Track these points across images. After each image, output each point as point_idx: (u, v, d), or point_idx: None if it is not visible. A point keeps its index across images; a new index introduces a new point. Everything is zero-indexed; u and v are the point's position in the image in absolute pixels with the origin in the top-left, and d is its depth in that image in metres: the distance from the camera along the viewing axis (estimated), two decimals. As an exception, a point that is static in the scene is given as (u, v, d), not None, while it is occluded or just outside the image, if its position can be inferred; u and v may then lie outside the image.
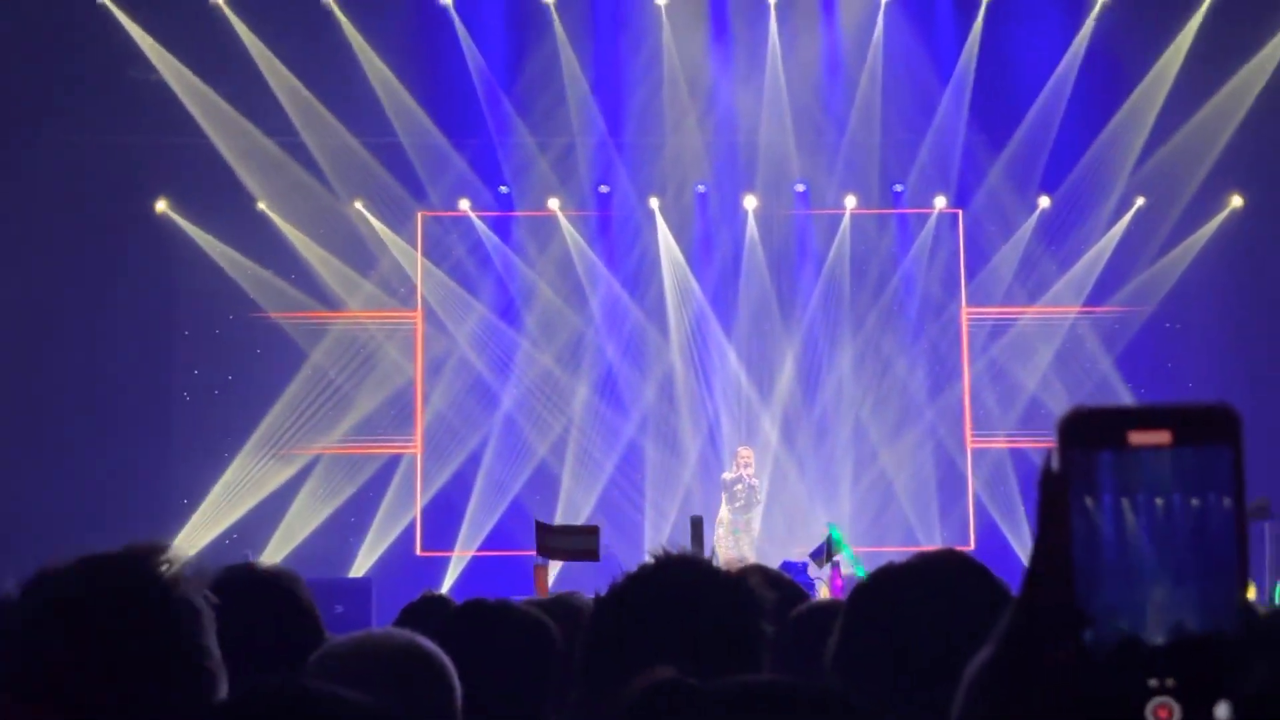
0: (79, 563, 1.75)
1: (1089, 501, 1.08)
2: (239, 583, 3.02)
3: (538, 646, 3.09)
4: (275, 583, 3.17)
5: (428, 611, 4.74)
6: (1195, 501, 1.07)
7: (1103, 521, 1.07)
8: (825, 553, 10.99)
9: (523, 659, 3.06)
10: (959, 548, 15.91)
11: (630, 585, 2.12)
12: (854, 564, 11.78)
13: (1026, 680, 1.12)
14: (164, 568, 1.74)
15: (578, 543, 8.36)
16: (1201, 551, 1.06)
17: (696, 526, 7.31)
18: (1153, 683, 1.04)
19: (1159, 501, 1.07)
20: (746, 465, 14.65)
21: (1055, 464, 1.09)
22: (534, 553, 8.55)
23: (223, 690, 1.79)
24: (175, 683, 1.68)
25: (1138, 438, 1.07)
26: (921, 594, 2.22)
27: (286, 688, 1.46)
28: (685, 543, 7.89)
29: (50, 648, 1.69)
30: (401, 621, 4.71)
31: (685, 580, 2.08)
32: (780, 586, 3.51)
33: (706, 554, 2.15)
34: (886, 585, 2.29)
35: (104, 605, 1.72)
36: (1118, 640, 1.06)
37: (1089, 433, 1.08)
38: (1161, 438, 1.07)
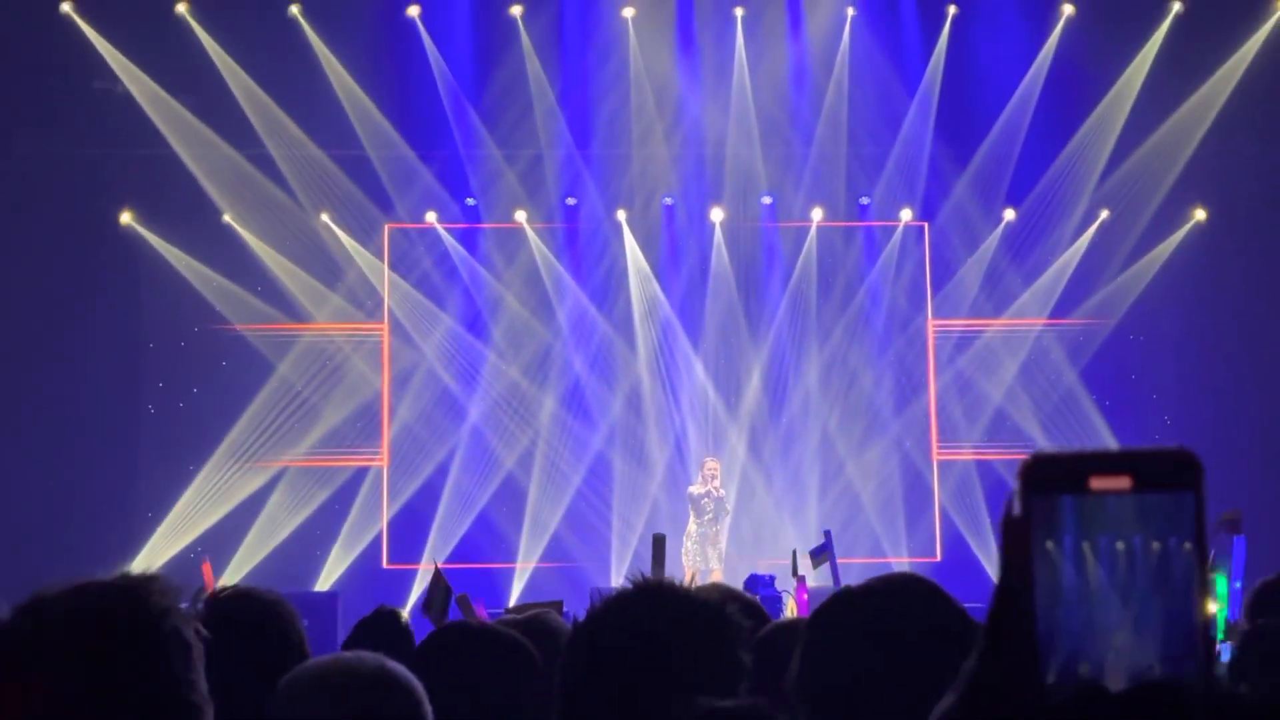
0: (73, 589, 1.73)
1: (1050, 545, 1.08)
2: (231, 612, 3.01)
3: (520, 670, 3.07)
4: (269, 611, 3.14)
5: (380, 624, 4.73)
6: (1156, 546, 1.07)
7: (1064, 566, 1.07)
8: (822, 553, 10.95)
9: (504, 682, 3.04)
10: (925, 559, 16.02)
11: (608, 613, 2.11)
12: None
13: None
14: (156, 599, 1.72)
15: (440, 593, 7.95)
16: (1163, 596, 1.07)
17: (658, 545, 7.26)
18: None
19: (1120, 546, 1.07)
20: (713, 477, 14.64)
21: (1016, 508, 1.10)
22: (499, 564, 8.43)
23: None
24: (160, 716, 1.67)
25: (1099, 483, 1.08)
26: (881, 617, 2.21)
27: None
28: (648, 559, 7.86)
29: (38, 673, 1.68)
30: (356, 635, 4.67)
31: (663, 608, 2.07)
32: (752, 614, 3.51)
33: (668, 573, 2.15)
34: (846, 609, 2.28)
35: (95, 633, 1.71)
36: (1079, 686, 1.06)
37: (1050, 478, 1.09)
38: (1122, 483, 1.08)
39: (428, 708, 2.34)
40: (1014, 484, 1.10)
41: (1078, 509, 1.08)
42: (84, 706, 1.65)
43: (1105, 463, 1.09)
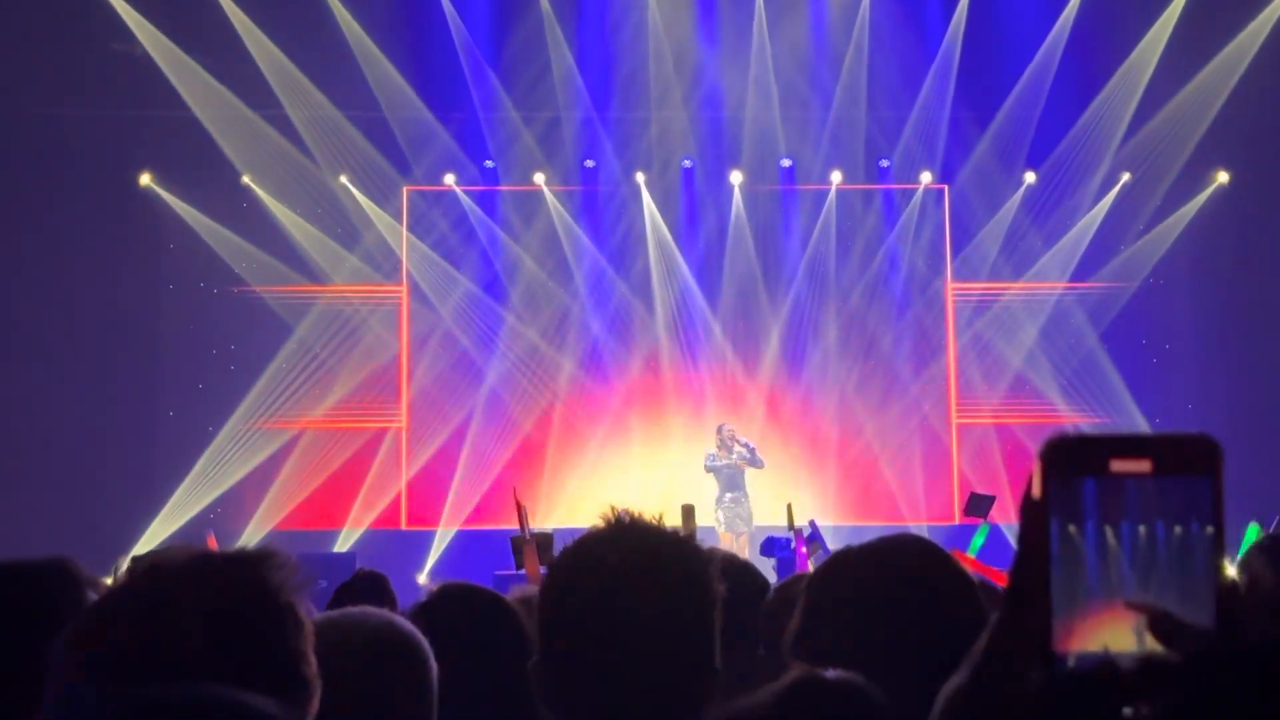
0: (193, 557, 1.76)
1: (1073, 530, 1.08)
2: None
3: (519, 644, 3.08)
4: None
5: (358, 588, 4.73)
6: (1178, 530, 1.08)
7: (1086, 550, 1.08)
8: (813, 542, 10.98)
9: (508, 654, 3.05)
10: (943, 522, 15.98)
11: (578, 549, 2.11)
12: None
13: (1001, 704, 1.12)
14: (274, 573, 1.75)
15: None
16: (1180, 579, 1.07)
17: (687, 514, 7.27)
18: (1127, 711, 1.04)
19: (1141, 530, 1.08)
20: (732, 439, 14.64)
21: (1036, 489, 1.10)
22: (517, 528, 8.43)
23: (316, 701, 1.79)
24: (276, 687, 1.69)
25: (1119, 465, 1.08)
26: (881, 578, 2.21)
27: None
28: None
29: (160, 635, 1.70)
30: (338, 598, 4.68)
31: (629, 540, 2.08)
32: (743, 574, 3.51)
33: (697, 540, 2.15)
34: (845, 570, 2.28)
35: (216, 601, 1.73)
36: (1093, 666, 1.06)
37: (1071, 460, 1.09)
38: (1142, 466, 1.08)
39: (433, 666, 2.34)
40: (1035, 465, 1.11)
41: (1098, 491, 1.08)
42: (202, 673, 1.66)
43: (1126, 446, 1.09)
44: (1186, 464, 1.09)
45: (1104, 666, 1.05)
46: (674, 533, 2.13)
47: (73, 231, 15.53)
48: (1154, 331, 16.39)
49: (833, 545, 14.55)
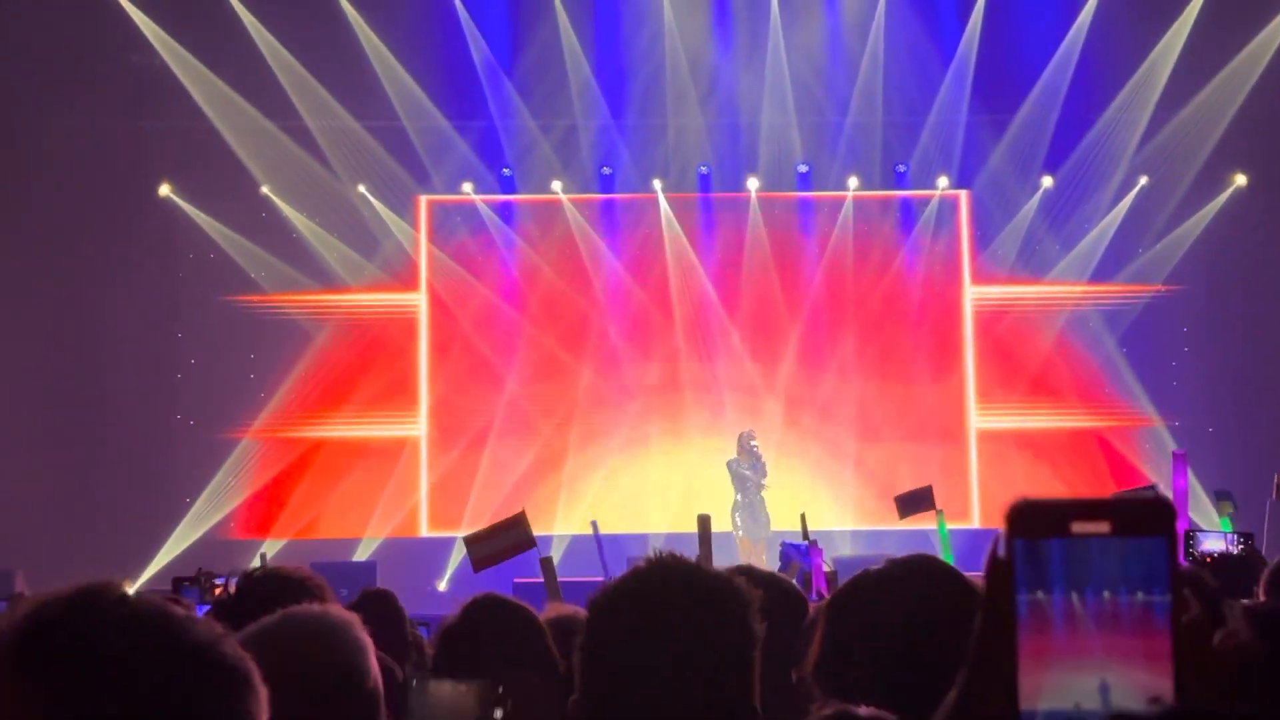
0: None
1: (1040, 595, 1.14)
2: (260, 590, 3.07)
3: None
4: (298, 587, 3.18)
5: (366, 605, 4.73)
6: (1139, 595, 1.13)
7: (1053, 613, 1.14)
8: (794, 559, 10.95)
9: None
10: (962, 526, 15.92)
11: (620, 590, 2.14)
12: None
13: None
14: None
15: (509, 538, 7.75)
16: (1143, 643, 1.13)
17: (704, 525, 7.28)
18: None
19: (1105, 595, 1.13)
20: (753, 448, 14.67)
21: (1001, 550, 1.15)
22: (537, 533, 8.40)
23: None
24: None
25: (1080, 527, 1.14)
26: (897, 603, 2.22)
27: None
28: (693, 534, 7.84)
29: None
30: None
31: (672, 581, 2.11)
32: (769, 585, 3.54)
33: (716, 549, 2.17)
34: (862, 595, 2.29)
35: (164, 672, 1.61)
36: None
37: (1035, 523, 1.15)
38: (1102, 528, 1.14)
39: (368, 656, 2.35)
40: (1001, 527, 1.16)
41: (1063, 555, 1.14)
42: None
43: (1086, 509, 1.15)
44: (1143, 526, 1.15)
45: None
46: (715, 574, 2.15)
47: (93, 241, 15.60)
48: (1171, 335, 16.35)
49: (851, 551, 14.58)
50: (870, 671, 2.17)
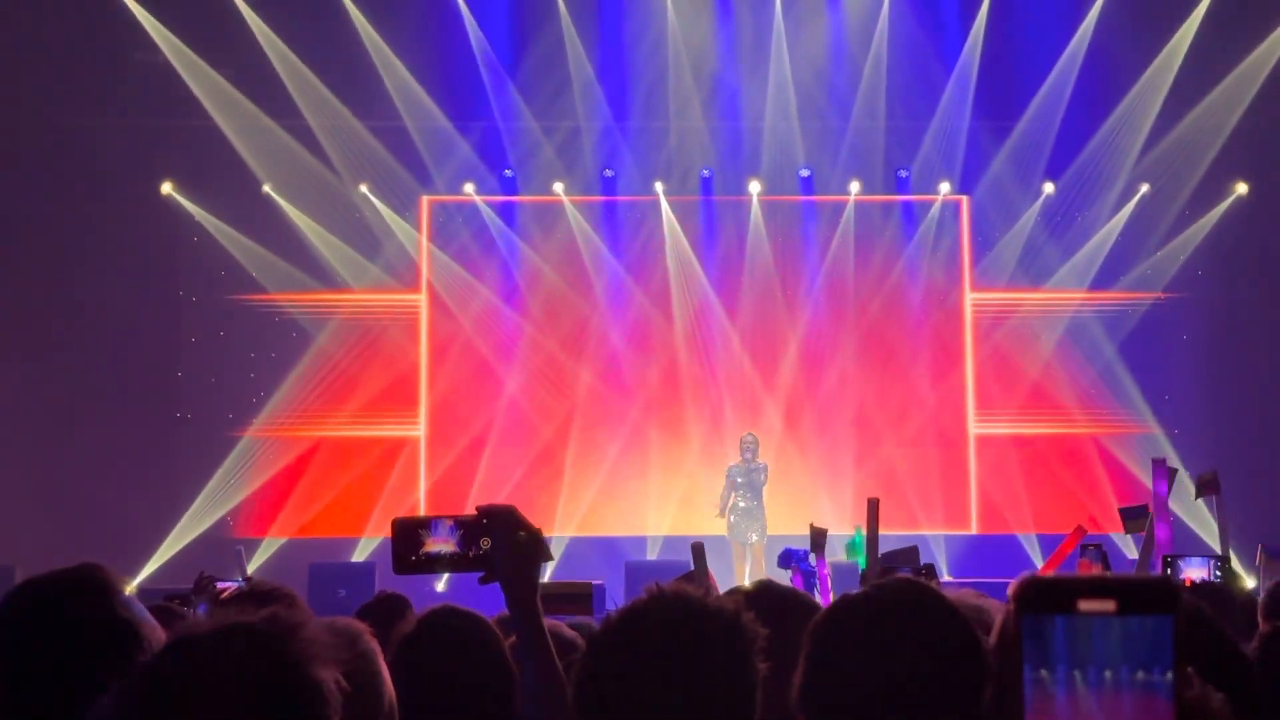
0: (220, 633, 1.74)
1: (1044, 674, 1.15)
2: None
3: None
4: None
5: (384, 610, 4.73)
6: (1140, 675, 1.15)
7: (1056, 691, 1.15)
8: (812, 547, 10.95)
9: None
10: (960, 531, 15.94)
11: (622, 626, 2.13)
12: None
13: None
14: (300, 647, 1.73)
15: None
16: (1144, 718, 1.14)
17: (698, 554, 7.27)
18: None
19: (1108, 674, 1.15)
20: (752, 452, 14.68)
21: (1012, 627, 1.18)
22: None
23: None
24: None
25: (1087, 605, 1.16)
26: (880, 629, 2.21)
27: None
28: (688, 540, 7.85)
29: (183, 714, 1.69)
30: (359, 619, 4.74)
31: (675, 618, 2.10)
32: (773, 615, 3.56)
33: (709, 579, 2.16)
34: (844, 621, 2.27)
35: (238, 680, 1.70)
36: None
37: (1041, 599, 1.17)
38: (1107, 606, 1.16)
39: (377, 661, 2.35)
40: (1009, 605, 1.20)
41: (1067, 632, 1.15)
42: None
43: (1092, 587, 1.17)
44: (1149, 604, 1.16)
45: None
46: (717, 610, 2.13)
47: (95, 239, 15.61)
48: (1171, 343, 16.36)
49: (853, 556, 14.57)
50: (854, 699, 2.16)
